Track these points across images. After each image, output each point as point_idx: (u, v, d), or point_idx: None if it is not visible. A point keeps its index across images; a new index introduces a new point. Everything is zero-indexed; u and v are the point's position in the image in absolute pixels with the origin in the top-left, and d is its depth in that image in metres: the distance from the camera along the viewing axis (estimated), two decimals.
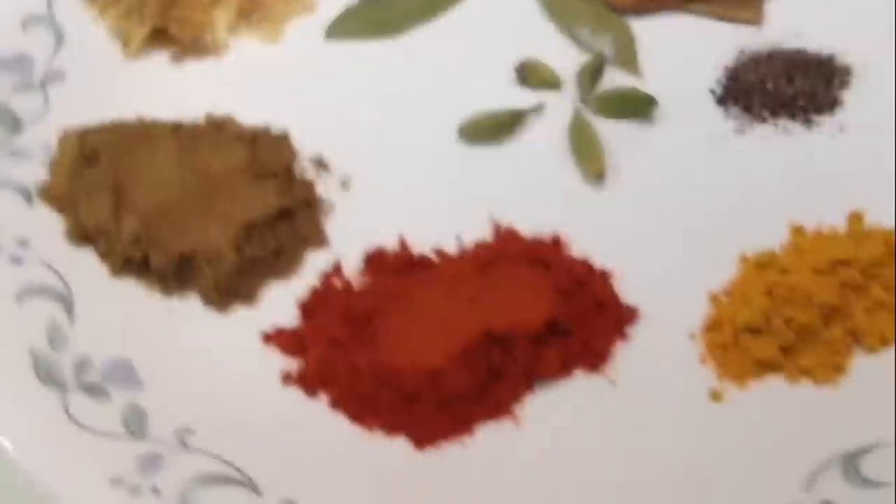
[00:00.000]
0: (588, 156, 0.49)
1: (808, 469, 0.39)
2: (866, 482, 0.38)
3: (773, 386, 0.42)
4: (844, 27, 0.54)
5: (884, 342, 0.43)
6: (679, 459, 0.40)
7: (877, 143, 0.50)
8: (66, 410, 0.39)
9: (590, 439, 0.41)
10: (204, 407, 0.40)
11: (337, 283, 0.44)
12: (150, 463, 0.38)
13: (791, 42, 0.54)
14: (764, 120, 0.51)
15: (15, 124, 0.48)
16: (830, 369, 0.42)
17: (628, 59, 0.53)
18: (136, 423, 0.39)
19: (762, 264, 0.45)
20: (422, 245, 0.46)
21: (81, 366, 0.40)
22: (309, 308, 0.44)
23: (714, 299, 0.44)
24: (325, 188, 0.48)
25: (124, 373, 0.41)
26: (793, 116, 0.51)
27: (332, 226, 0.47)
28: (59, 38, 0.51)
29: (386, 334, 0.42)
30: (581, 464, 0.40)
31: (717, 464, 0.40)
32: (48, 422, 0.38)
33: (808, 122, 0.51)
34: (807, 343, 0.42)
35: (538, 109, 0.51)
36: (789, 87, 0.52)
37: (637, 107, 0.51)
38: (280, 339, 0.43)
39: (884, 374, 0.42)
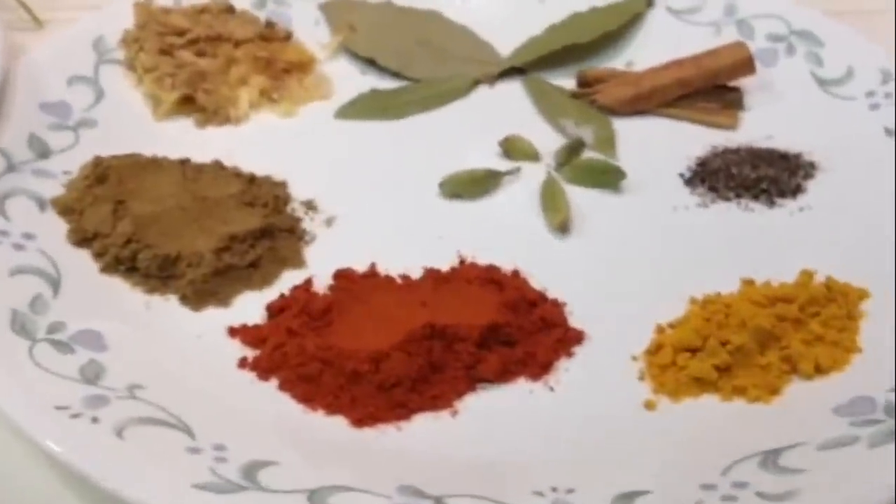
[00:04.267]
0: (553, 208, 0.52)
1: (728, 460, 0.39)
2: (782, 469, 0.38)
3: (707, 400, 0.43)
4: (813, 134, 0.58)
5: (819, 371, 0.44)
6: (607, 453, 0.41)
7: (835, 222, 0.52)
8: (30, 353, 0.42)
9: (523, 437, 0.42)
10: (159, 374, 0.43)
11: (303, 292, 0.47)
12: (96, 401, 0.40)
13: (762, 143, 0.58)
14: (728, 199, 0.55)
15: (44, 152, 0.53)
16: (764, 391, 0.43)
17: (606, 146, 0.58)
18: (92, 374, 0.41)
19: (707, 301, 0.47)
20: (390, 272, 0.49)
21: (54, 327, 0.44)
22: (274, 308, 0.47)
23: (659, 329, 0.46)
24: (311, 224, 0.52)
25: (93, 339, 0.44)
26: (756, 198, 0.55)
27: (312, 252, 0.51)
28: (99, 95, 0.58)
29: (338, 326, 0.44)
30: (511, 457, 0.41)
31: (643, 456, 0.40)
32: (10, 360, 0.41)
33: (770, 204, 0.54)
34: (742, 366, 0.43)
35: (514, 172, 0.55)
36: (753, 173, 0.55)
37: (606, 177, 0.55)
38: (243, 333, 0.46)
39: (818, 399, 0.42)
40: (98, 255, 0.49)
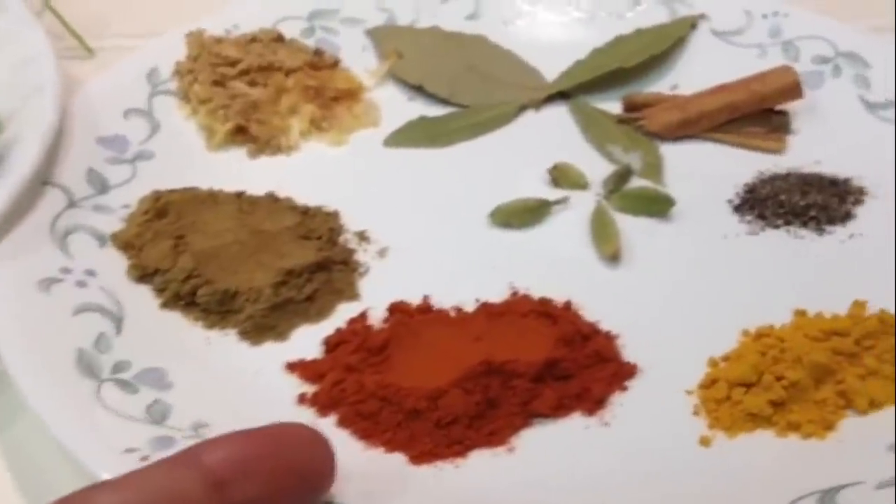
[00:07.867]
0: (604, 238, 0.53)
1: (785, 499, 0.39)
2: None
3: (762, 436, 0.43)
4: (862, 158, 0.58)
5: (875, 406, 0.44)
6: (663, 490, 0.41)
7: (885, 250, 0.52)
8: (97, 394, 0.43)
9: (579, 472, 0.43)
10: (223, 410, 0.44)
11: (360, 326, 0.48)
12: (164, 442, 0.41)
13: (810, 168, 0.58)
14: (777, 227, 0.55)
15: (103, 187, 0.54)
16: (819, 426, 0.43)
17: (653, 172, 0.58)
18: (158, 414, 0.43)
19: (760, 334, 0.47)
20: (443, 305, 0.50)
21: (119, 367, 0.45)
22: (331, 343, 0.48)
23: (712, 363, 0.47)
24: (364, 255, 0.53)
25: (157, 377, 0.45)
26: (805, 225, 0.55)
27: (366, 284, 0.52)
28: (155, 127, 0.59)
29: (395, 362, 0.45)
30: (568, 494, 0.42)
31: (701, 493, 0.41)
32: (79, 401, 0.42)
33: (819, 231, 0.54)
34: (797, 401, 0.44)
35: (563, 201, 0.55)
36: (802, 200, 0.55)
37: (655, 205, 0.55)
38: (301, 368, 0.47)
39: (872, 435, 0.43)
40: (159, 291, 0.50)
